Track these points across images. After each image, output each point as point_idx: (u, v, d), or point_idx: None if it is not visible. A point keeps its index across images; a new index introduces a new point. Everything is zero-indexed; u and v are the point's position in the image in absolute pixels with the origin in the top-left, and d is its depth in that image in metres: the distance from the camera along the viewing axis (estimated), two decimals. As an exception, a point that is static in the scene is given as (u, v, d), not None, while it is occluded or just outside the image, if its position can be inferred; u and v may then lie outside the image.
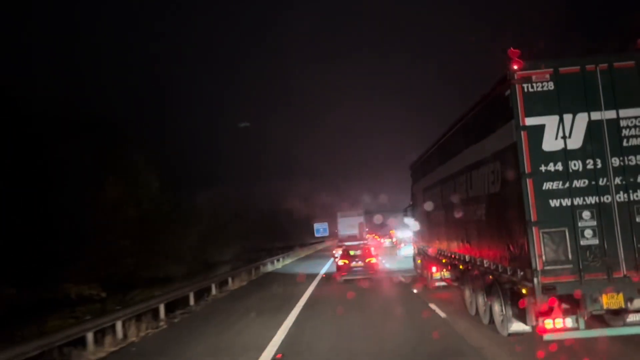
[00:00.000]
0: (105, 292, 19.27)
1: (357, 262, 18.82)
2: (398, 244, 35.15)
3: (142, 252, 26.22)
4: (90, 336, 9.89)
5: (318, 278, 21.21)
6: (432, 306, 12.29)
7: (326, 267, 27.17)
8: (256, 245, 47.11)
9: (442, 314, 11.28)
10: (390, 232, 49.50)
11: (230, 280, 20.42)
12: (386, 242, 46.17)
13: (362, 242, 27.83)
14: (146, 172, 31.22)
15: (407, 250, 28.10)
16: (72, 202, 21.94)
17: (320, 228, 50.78)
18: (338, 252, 27.92)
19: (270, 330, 10.49)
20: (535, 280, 6.89)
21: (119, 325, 10.92)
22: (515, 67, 7.21)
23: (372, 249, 20.84)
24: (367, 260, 18.90)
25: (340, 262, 19.18)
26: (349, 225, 35.51)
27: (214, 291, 17.80)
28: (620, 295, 6.82)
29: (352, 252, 19.61)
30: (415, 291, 15.23)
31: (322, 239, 55.47)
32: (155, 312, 13.00)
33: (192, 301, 15.44)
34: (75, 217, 21.93)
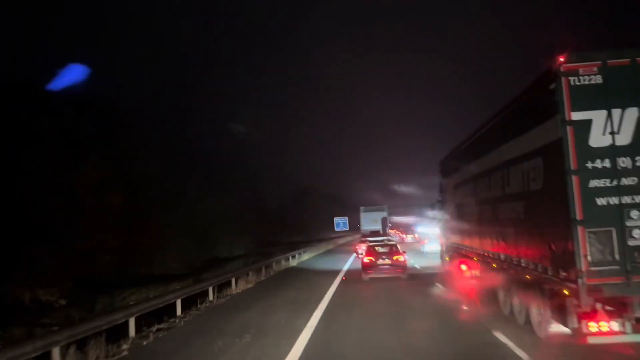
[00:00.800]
0: (67, 297, 16.15)
1: (383, 259, 18.09)
2: (421, 240, 34.97)
3: (129, 248, 22.19)
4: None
5: (338, 279, 19.01)
6: (503, 339, 8.74)
7: (348, 264, 26.06)
8: (272, 239, 46.18)
9: (523, 355, 7.75)
10: (412, 227, 49.33)
11: (233, 281, 17.51)
12: (408, 237, 45.97)
13: (386, 237, 27.42)
14: (145, 155, 27.39)
15: (432, 247, 27.95)
16: (38, 185, 18.16)
17: (340, 222, 50.76)
18: (361, 247, 27.81)
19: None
20: (579, 281, 6.74)
21: (55, 354, 7.97)
22: (561, 59, 7.03)
23: (399, 246, 20.22)
24: (394, 258, 18.13)
25: (366, 260, 18.40)
26: (372, 220, 35.32)
27: (210, 296, 15.02)
28: (671, 299, 6.64)
29: (378, 249, 18.82)
30: (465, 308, 12.06)
31: (342, 234, 55.32)
32: (125, 327, 10.24)
33: (178, 311, 12.67)
34: (42, 204, 18.31)
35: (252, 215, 43.72)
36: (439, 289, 15.56)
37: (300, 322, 10.67)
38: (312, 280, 18.89)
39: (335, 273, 21.25)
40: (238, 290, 16.96)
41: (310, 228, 61.85)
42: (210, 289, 15.23)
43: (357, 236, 43.28)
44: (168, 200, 29.07)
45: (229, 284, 17.16)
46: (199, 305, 13.86)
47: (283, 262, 26.91)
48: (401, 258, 18.22)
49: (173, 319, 12.05)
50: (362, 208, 37.20)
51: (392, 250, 18.76)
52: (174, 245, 27.18)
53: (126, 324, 10.30)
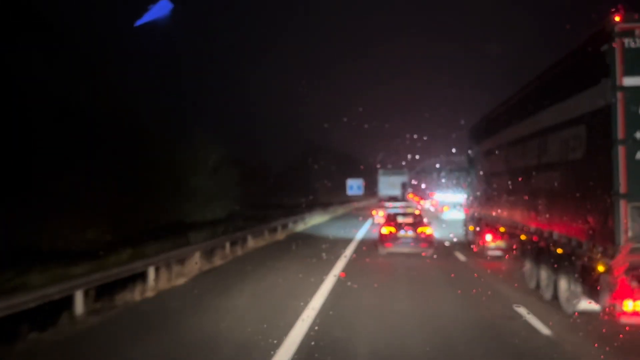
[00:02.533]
0: None
1: (406, 231, 16.15)
2: (440, 207, 35.05)
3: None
4: None
5: (337, 269, 13.43)
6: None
7: (359, 236, 22.22)
8: (273, 200, 42.87)
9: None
10: (430, 193, 49.22)
11: (152, 272, 11.19)
12: (426, 204, 46.02)
13: (407, 204, 27.11)
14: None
15: (452, 214, 28.11)
16: None
17: (354, 185, 49.01)
18: (378, 213, 27.65)
19: None
20: (617, 257, 6.79)
21: None
22: (617, 18, 6.85)
23: (424, 215, 18.30)
24: (419, 230, 16.12)
25: (384, 230, 16.39)
26: (390, 184, 34.89)
27: (78, 308, 8.62)
28: None
29: (399, 219, 16.89)
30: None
31: (355, 198, 54.69)
32: None
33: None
34: None
35: (244, 171, 37.25)
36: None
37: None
38: (298, 270, 13.20)
39: (335, 257, 15.54)
40: (148, 294, 10.40)
41: (317, 190, 60.82)
42: (79, 295, 8.64)
43: (373, 201, 42.98)
44: (104, 133, 20.06)
45: (142, 276, 11.00)
46: (29, 335, 7.39)
47: (267, 235, 21.38)
48: (428, 230, 16.27)
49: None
50: (380, 171, 36.65)
51: (417, 220, 16.89)
52: (104, 203, 19.15)
53: None
